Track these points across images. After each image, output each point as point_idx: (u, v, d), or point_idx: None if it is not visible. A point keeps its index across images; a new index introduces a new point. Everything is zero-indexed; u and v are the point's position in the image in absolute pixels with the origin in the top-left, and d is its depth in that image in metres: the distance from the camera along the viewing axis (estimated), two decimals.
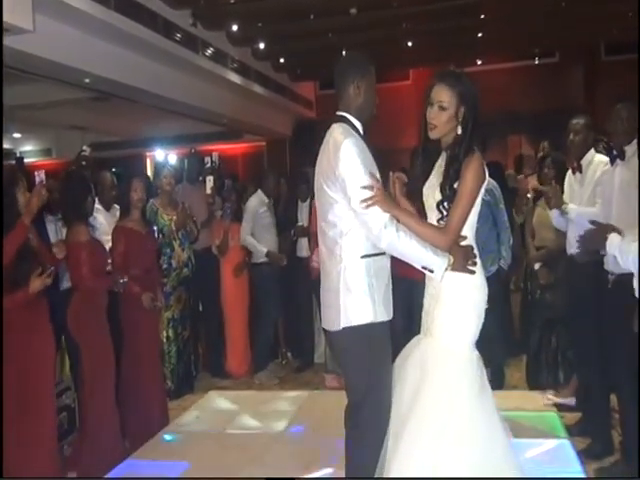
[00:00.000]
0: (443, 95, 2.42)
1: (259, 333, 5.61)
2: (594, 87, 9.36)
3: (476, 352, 2.48)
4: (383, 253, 2.49)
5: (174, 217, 4.99)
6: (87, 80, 5.97)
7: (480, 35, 7.67)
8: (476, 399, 2.39)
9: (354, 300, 2.45)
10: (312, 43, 7.87)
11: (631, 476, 3.15)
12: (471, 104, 2.43)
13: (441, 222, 2.46)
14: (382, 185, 2.44)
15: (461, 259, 2.41)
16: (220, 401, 4.75)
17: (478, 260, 2.46)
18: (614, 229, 2.77)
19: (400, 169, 4.29)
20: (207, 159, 6.22)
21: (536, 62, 9.49)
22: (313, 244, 5.24)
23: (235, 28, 6.94)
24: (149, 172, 11.01)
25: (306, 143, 10.33)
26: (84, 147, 5.42)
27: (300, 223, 5.66)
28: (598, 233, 2.77)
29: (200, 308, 5.74)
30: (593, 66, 9.56)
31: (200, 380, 5.54)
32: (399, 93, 10.35)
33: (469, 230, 2.47)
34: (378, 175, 2.48)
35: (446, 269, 2.39)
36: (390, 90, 10.37)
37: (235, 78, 7.70)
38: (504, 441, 2.39)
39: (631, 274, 3.15)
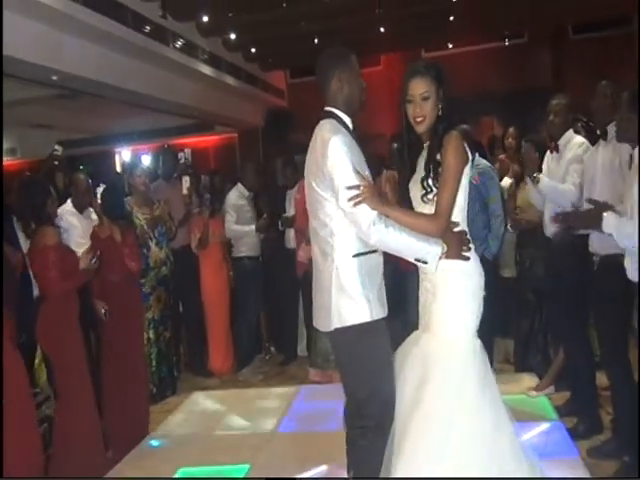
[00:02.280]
0: (422, 86, 2.41)
1: (241, 328, 5.52)
2: (563, 66, 9.40)
3: (478, 341, 2.44)
4: (375, 251, 2.45)
5: (149, 216, 4.88)
6: (54, 77, 5.77)
7: (451, 19, 7.61)
8: (481, 391, 2.35)
9: (348, 300, 2.40)
10: (284, 31, 7.75)
11: (622, 454, 3.18)
12: (445, 84, 2.44)
13: (425, 199, 2.43)
14: (370, 182, 2.39)
15: (455, 245, 2.38)
16: (205, 402, 4.71)
17: (472, 245, 2.43)
18: (609, 207, 2.76)
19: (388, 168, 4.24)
20: (180, 155, 6.08)
21: (506, 44, 9.49)
22: (299, 238, 5.18)
23: (205, 19, 6.78)
24: (118, 169, 10.83)
25: (279, 132, 10.31)
26: (56, 146, 5.24)
27: (286, 214, 5.58)
28: (595, 211, 2.76)
29: (180, 307, 5.64)
30: (562, 45, 9.59)
31: (182, 381, 5.42)
32: (370, 79, 10.19)
33: (459, 214, 2.43)
34: (367, 172, 2.43)
35: (440, 258, 2.35)
36: (364, 76, 10.30)
37: (206, 70, 7.56)
38: (510, 430, 2.36)
39: (616, 255, 3.18)
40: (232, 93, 8.75)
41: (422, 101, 2.41)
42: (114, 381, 3.79)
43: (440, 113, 2.44)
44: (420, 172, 2.50)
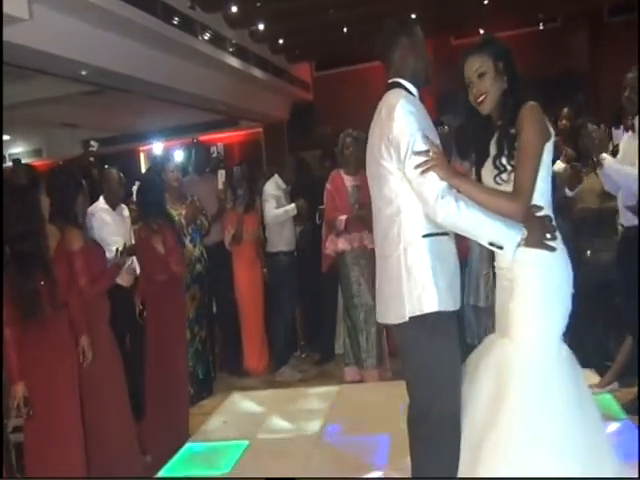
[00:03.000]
0: (476, 64, 2.23)
1: (277, 326, 5.34)
2: (598, 50, 9.06)
3: (564, 346, 2.16)
4: (447, 233, 2.20)
5: (183, 212, 4.72)
6: (84, 72, 5.64)
7: (485, 2, 7.35)
8: (569, 407, 2.07)
9: (417, 286, 2.14)
10: (312, 20, 7.56)
11: None
12: (506, 56, 2.23)
13: (498, 179, 2.19)
14: (440, 149, 2.15)
15: (538, 232, 2.09)
16: (245, 403, 4.52)
17: (558, 234, 2.14)
18: None
19: None
20: (212, 149, 5.92)
21: (540, 28, 9.18)
22: (326, 230, 4.98)
23: (234, 9, 6.60)
24: (143, 167, 10.72)
25: (304, 126, 10.12)
26: (92, 142, 5.09)
27: (323, 206, 5.38)
28: None
29: (214, 305, 5.47)
30: (596, 29, 9.24)
31: (217, 381, 5.26)
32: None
33: (541, 197, 2.15)
34: (438, 140, 2.21)
35: (519, 244, 2.07)
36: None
37: (234, 62, 7.39)
38: (608, 453, 2.12)
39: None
40: (259, 86, 8.58)
41: (478, 79, 2.21)
42: (157, 384, 3.63)
43: (506, 86, 2.21)
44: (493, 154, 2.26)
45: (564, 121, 4.74)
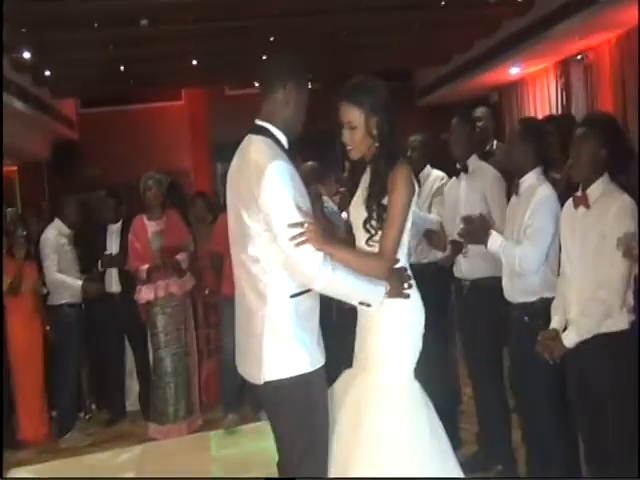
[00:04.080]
0: (349, 114, 2.20)
1: (62, 387, 4.73)
2: None
3: (417, 383, 2.28)
4: (309, 290, 2.15)
5: None
6: None
7: (264, 58, 7.66)
8: (423, 435, 2.18)
9: (285, 349, 2.09)
10: (86, 55, 7.06)
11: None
12: (383, 113, 2.20)
13: (370, 242, 2.24)
14: (312, 217, 2.11)
15: (397, 284, 2.20)
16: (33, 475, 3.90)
17: (413, 281, 2.28)
18: (490, 224, 2.92)
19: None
20: None
21: (309, 86, 9.83)
22: (141, 276, 4.63)
23: None
24: None
25: (68, 166, 9.35)
26: None
27: (108, 252, 4.96)
28: (481, 227, 2.90)
29: None
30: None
31: None
32: (171, 114, 9.92)
33: (401, 250, 2.25)
34: (308, 203, 2.14)
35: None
36: (162, 110, 9.91)
37: None
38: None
39: (485, 278, 3.37)
40: (17, 120, 7.70)
41: (349, 130, 2.22)
42: None
43: (377, 144, 2.23)
44: (362, 194, 2.30)
45: (346, 173, 5.10)
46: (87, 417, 5.15)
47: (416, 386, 2.28)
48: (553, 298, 2.81)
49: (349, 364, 2.39)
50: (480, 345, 3.44)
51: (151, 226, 4.57)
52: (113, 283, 5.02)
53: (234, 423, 4.42)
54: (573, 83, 7.54)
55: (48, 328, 4.84)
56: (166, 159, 8.95)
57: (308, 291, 2.15)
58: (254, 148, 2.13)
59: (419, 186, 3.22)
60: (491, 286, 3.38)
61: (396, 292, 2.20)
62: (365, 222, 2.24)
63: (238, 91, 9.55)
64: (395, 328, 2.25)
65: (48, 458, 4.37)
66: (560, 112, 7.52)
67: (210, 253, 4.78)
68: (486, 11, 6.94)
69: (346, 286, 2.10)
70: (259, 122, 2.19)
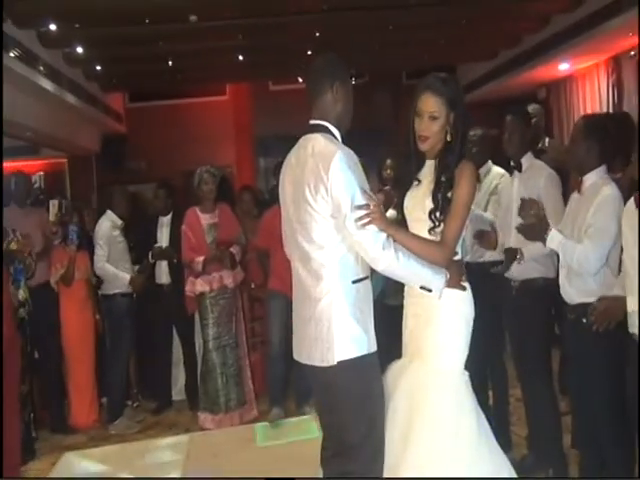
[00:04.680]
0: (432, 104, 2.30)
1: (113, 375, 4.85)
2: (399, 107, 9.99)
3: (467, 373, 2.36)
4: (368, 277, 2.28)
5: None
6: None
7: (309, 53, 7.69)
8: (477, 426, 2.27)
9: (347, 330, 2.20)
10: (136, 49, 7.20)
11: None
12: (460, 109, 2.32)
13: (432, 232, 2.31)
14: (376, 200, 2.22)
15: (456, 275, 2.31)
16: (83, 463, 4.04)
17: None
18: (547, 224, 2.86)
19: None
20: (34, 178, 5.28)
21: (353, 82, 9.83)
22: (187, 271, 4.72)
23: (52, 27, 6.03)
24: None
25: (116, 159, 9.56)
26: None
27: (159, 244, 5.06)
28: (539, 226, 2.85)
29: (36, 354, 4.81)
30: (398, 89, 10.16)
31: (39, 441, 4.57)
32: (216, 108, 10.03)
33: (458, 245, 2.37)
34: (368, 189, 2.25)
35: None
36: (207, 105, 10.02)
37: (46, 84, 6.71)
38: (507, 463, 2.33)
39: (536, 279, 3.33)
40: (70, 113, 7.92)
41: (429, 120, 2.30)
42: None
43: (449, 139, 2.32)
44: (423, 190, 2.37)
45: (388, 171, 5.08)
46: (135, 405, 5.27)
47: (467, 374, 2.36)
48: None
49: None
50: (530, 347, 3.40)
51: (205, 219, 4.63)
52: (163, 275, 5.12)
53: (279, 416, 4.46)
54: (625, 80, 7.36)
55: (98, 317, 4.97)
56: (210, 153, 9.05)
57: (365, 278, 2.26)
58: (317, 143, 2.24)
59: (479, 182, 3.25)
60: (541, 287, 3.36)
61: (454, 282, 2.30)
62: (431, 213, 2.31)
63: (282, 87, 9.62)
64: (452, 318, 2.34)
65: (98, 444, 4.49)
66: (611, 110, 7.35)
67: (256, 248, 4.84)
68: (536, 5, 6.85)
69: (408, 270, 2.20)
70: (314, 121, 2.31)
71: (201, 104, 9.98)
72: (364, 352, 2.21)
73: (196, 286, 4.55)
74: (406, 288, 2.44)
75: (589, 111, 7.80)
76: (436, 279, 2.24)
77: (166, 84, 8.92)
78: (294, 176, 2.31)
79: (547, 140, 4.34)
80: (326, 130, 2.28)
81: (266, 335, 5.23)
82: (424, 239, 2.31)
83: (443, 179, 2.30)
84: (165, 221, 5.18)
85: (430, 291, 2.25)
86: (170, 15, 6.21)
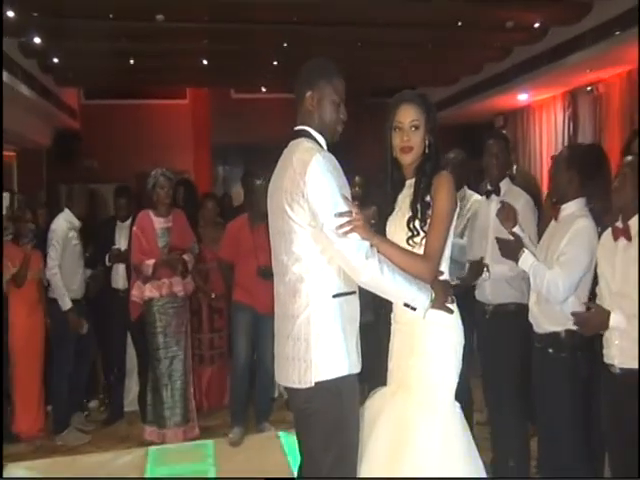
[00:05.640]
0: (412, 114, 2.28)
1: (59, 382, 4.60)
2: (359, 123, 10.04)
3: (458, 404, 2.28)
4: (354, 292, 2.16)
5: None
6: None
7: (275, 63, 7.65)
8: (467, 460, 2.19)
9: (326, 349, 2.08)
10: (97, 46, 6.95)
11: None
12: (434, 120, 2.33)
13: (411, 242, 2.24)
14: (360, 211, 2.11)
15: (441, 295, 2.19)
16: (29, 475, 3.78)
17: (454, 297, 2.28)
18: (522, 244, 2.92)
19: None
20: None
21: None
22: (134, 276, 4.55)
23: (9, 14, 5.71)
24: None
25: (67, 156, 9.20)
26: None
27: (117, 246, 4.87)
28: (515, 245, 2.91)
29: None
30: (359, 104, 10.19)
31: None
32: (175, 112, 9.84)
33: (444, 263, 2.28)
34: (350, 197, 2.15)
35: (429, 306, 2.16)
36: (166, 108, 9.82)
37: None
38: None
39: (510, 304, 3.38)
40: (22, 104, 7.57)
41: (411, 130, 2.28)
42: None
43: (427, 149, 2.31)
44: (403, 211, 2.32)
45: (357, 188, 5.08)
46: (85, 414, 5.03)
47: (458, 406, 2.28)
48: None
49: None
50: (500, 372, 3.42)
51: (158, 222, 4.47)
52: (119, 279, 4.94)
53: (240, 435, 4.33)
54: (580, 114, 7.65)
55: (49, 321, 4.72)
56: (166, 158, 8.83)
57: (350, 293, 2.14)
58: (297, 149, 2.16)
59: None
60: (513, 312, 3.40)
61: (440, 303, 2.19)
62: (409, 221, 2.25)
63: (244, 95, 9.53)
64: (440, 347, 2.25)
65: (44, 455, 4.25)
66: (566, 142, 7.62)
67: (218, 259, 4.72)
68: (499, 36, 7.04)
69: (392, 284, 2.07)
70: (296, 127, 2.24)
71: (160, 106, 9.78)
72: (344, 373, 2.09)
73: (144, 292, 4.37)
74: (393, 313, 2.36)
75: (545, 142, 8.07)
76: (421, 297, 2.12)
77: (125, 83, 8.68)
78: (275, 188, 2.22)
79: (515, 167, 4.42)
80: (308, 135, 2.19)
81: (225, 347, 5.13)
82: (408, 252, 2.22)
83: (420, 187, 2.27)
84: (124, 226, 5.00)
85: (414, 309, 2.14)
86: (136, 12, 6.02)
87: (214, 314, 5.15)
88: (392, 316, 2.38)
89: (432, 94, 9.55)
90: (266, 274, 4.34)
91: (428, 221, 2.25)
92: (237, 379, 4.41)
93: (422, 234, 2.24)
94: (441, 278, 2.25)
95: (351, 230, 2.03)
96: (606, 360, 2.68)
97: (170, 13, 5.97)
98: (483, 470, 2.27)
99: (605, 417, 2.71)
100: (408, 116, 2.27)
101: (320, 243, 2.09)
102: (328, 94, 2.22)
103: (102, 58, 7.52)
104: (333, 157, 2.14)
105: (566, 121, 7.84)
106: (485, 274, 3.37)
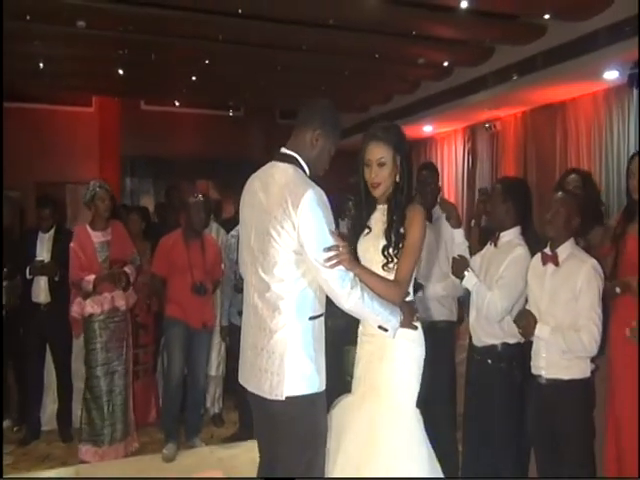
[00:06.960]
0: (378, 152, 2.42)
1: None
2: (272, 146, 10.19)
3: (418, 410, 2.48)
4: (323, 314, 2.34)
5: None
6: None
7: (194, 79, 7.64)
8: (430, 463, 2.40)
9: (299, 367, 2.23)
10: (5, 46, 6.57)
11: None
12: (404, 151, 2.46)
13: (385, 268, 2.43)
14: (345, 244, 2.29)
15: (408, 315, 2.42)
16: None
17: (418, 315, 2.50)
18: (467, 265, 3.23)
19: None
20: None
21: (230, 114, 9.87)
22: (73, 292, 4.39)
23: None
24: None
25: None
26: None
27: (39, 258, 4.68)
28: (462, 263, 3.21)
29: None
30: (271, 125, 10.36)
31: None
32: (80, 120, 9.46)
33: (409, 286, 2.49)
34: (335, 229, 2.31)
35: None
36: (71, 115, 9.42)
37: None
38: None
39: (440, 322, 3.67)
40: None
41: (379, 167, 2.42)
42: None
43: (399, 181, 2.45)
44: (376, 234, 2.50)
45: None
46: None
47: (418, 412, 2.48)
48: (515, 344, 3.19)
49: None
50: (435, 389, 3.64)
51: (96, 236, 4.36)
52: (41, 292, 4.70)
53: (173, 451, 4.28)
54: (479, 147, 8.33)
55: None
56: (71, 167, 8.51)
57: (322, 315, 2.33)
58: (285, 174, 2.28)
59: (429, 222, 3.46)
60: (446, 329, 3.69)
61: (407, 322, 2.41)
62: (384, 249, 2.43)
63: (154, 107, 9.38)
64: (404, 359, 2.46)
65: None
66: (466, 173, 8.25)
67: (150, 274, 4.67)
68: (411, 70, 7.51)
69: (371, 310, 2.28)
70: (287, 150, 2.34)
71: (65, 113, 9.35)
72: (314, 390, 2.25)
73: (85, 308, 4.25)
74: (360, 327, 2.55)
75: (446, 171, 8.66)
76: (393, 320, 2.33)
77: (31, 87, 8.24)
78: (256, 202, 2.32)
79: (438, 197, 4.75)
80: (296, 163, 2.31)
81: (151, 363, 5.05)
82: (384, 278, 2.41)
83: (395, 218, 2.43)
84: (46, 237, 4.80)
85: (386, 330, 2.35)
86: (55, 16, 5.81)
87: (139, 329, 5.05)
88: (360, 330, 2.55)
89: (343, 120, 9.94)
90: (200, 291, 4.42)
91: (401, 248, 2.44)
92: (171, 394, 4.37)
93: (395, 260, 2.44)
94: (407, 299, 2.47)
95: (337, 263, 2.20)
96: (534, 371, 3.04)
97: (88, 19, 5.81)
98: (440, 471, 2.48)
99: (531, 419, 3.06)
100: (375, 154, 2.42)
101: (301, 267, 2.23)
102: (331, 144, 2.38)
103: (8, 59, 7.12)
104: (323, 192, 2.28)
105: (466, 153, 8.49)
106: (419, 293, 3.62)
